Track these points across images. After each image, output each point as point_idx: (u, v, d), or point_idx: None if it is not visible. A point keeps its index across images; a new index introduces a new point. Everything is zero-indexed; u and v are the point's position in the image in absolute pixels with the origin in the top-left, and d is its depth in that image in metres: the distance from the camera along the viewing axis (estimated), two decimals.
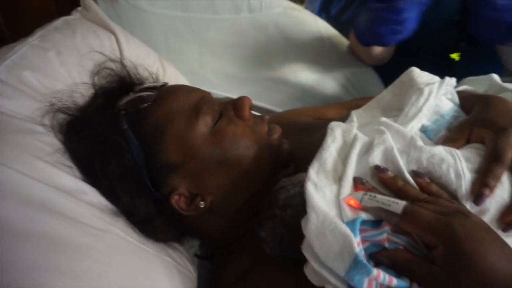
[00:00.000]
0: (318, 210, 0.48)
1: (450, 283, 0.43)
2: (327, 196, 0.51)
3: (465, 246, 0.42)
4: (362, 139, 0.56)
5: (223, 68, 1.16)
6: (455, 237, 0.42)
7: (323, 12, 1.40)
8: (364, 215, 0.49)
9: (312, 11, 1.35)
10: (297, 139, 0.71)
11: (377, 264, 0.45)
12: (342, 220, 0.48)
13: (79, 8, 0.85)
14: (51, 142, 0.58)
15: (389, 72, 1.14)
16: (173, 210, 0.60)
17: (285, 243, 0.54)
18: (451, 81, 0.67)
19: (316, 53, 1.14)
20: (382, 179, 0.51)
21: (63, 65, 0.69)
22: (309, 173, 0.52)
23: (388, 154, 0.54)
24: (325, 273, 0.46)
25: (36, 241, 0.47)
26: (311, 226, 0.47)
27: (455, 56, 1.00)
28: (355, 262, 0.44)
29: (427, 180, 0.51)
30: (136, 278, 0.52)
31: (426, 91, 0.64)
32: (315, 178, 0.52)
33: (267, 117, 0.68)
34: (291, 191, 0.56)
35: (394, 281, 0.44)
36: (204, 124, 0.60)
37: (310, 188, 0.51)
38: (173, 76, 0.91)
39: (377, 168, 0.52)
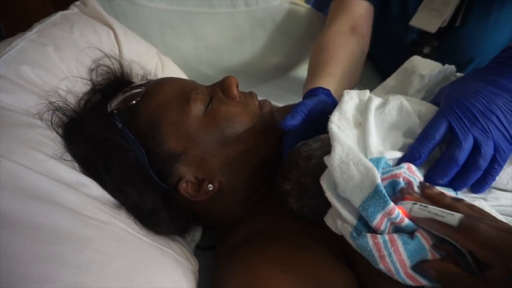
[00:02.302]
0: (343, 143, 0.49)
1: None
2: (350, 137, 0.53)
3: None
4: (376, 98, 0.59)
5: (220, 62, 1.16)
6: None
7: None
8: (387, 156, 0.50)
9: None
10: None
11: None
12: (366, 157, 0.49)
13: (77, 3, 0.84)
14: (51, 136, 0.59)
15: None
16: (181, 200, 0.61)
17: (310, 192, 0.54)
18: (449, 68, 0.69)
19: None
20: (429, 195, 0.49)
21: (61, 60, 0.69)
22: (332, 118, 0.54)
23: (403, 107, 0.56)
24: (337, 205, 0.47)
25: (38, 233, 0.47)
26: (335, 155, 0.48)
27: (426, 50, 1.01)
28: (375, 191, 0.45)
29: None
30: (138, 269, 0.52)
31: (427, 77, 0.67)
32: (337, 122, 0.54)
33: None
34: (313, 145, 0.56)
35: (406, 221, 0.45)
36: (196, 109, 0.61)
37: (334, 127, 0.52)
38: (172, 71, 0.91)
39: (422, 185, 0.50)
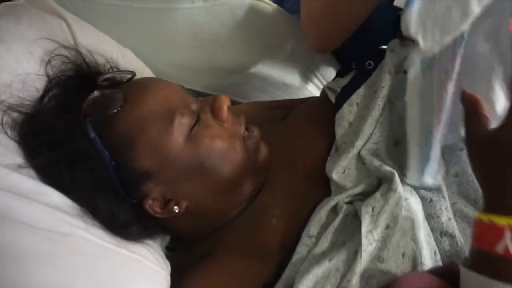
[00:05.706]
0: None
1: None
2: None
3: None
4: None
5: (180, 60, 1.13)
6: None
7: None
8: None
9: None
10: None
11: None
12: None
13: None
14: (5, 142, 0.53)
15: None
16: (147, 213, 0.58)
17: None
18: None
19: (275, 41, 1.12)
20: None
21: (9, 53, 0.62)
22: None
23: None
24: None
25: None
26: None
27: None
28: None
29: None
30: (106, 281, 0.49)
31: None
32: None
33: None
34: None
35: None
36: (179, 131, 0.57)
37: None
38: (133, 63, 0.88)
39: None
